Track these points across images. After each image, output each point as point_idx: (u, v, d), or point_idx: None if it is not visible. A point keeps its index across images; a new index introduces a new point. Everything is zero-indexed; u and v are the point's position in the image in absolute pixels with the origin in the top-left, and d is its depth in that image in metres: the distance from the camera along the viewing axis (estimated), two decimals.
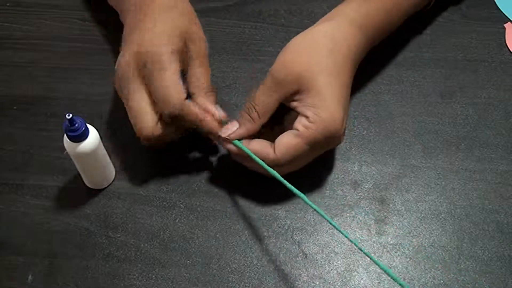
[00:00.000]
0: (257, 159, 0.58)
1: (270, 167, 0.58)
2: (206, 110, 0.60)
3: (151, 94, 0.58)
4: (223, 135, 0.59)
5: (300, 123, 0.58)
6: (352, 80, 0.62)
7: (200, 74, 0.61)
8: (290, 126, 0.59)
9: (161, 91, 0.57)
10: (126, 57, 0.59)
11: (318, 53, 0.59)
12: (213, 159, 0.65)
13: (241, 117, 0.60)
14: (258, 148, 0.58)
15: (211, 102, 0.60)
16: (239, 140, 0.59)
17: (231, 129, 0.60)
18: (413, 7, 0.68)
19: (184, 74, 0.60)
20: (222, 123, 0.60)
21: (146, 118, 0.58)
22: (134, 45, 0.59)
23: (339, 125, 0.58)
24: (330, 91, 0.58)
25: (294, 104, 0.59)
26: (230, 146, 0.60)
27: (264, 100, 0.59)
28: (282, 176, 0.57)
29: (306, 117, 0.57)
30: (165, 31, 0.59)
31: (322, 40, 0.60)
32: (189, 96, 0.60)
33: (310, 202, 0.55)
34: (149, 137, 0.59)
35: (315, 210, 0.55)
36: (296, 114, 0.59)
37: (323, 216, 0.54)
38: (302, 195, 0.56)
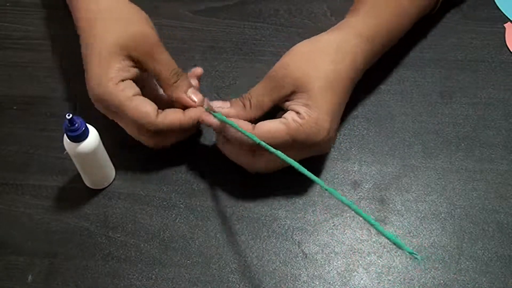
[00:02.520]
0: (239, 128, 0.57)
1: (248, 155, 0.58)
2: (181, 102, 0.60)
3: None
4: (214, 106, 0.60)
5: (289, 115, 0.58)
6: (352, 89, 0.62)
7: (156, 69, 0.60)
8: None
9: (130, 120, 0.59)
10: (91, 97, 0.61)
11: (320, 61, 0.59)
12: (213, 159, 0.65)
13: (235, 101, 0.60)
14: (241, 125, 0.58)
15: (181, 92, 0.60)
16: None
17: (221, 103, 0.60)
18: (420, 13, 0.68)
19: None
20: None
21: (139, 138, 0.61)
22: (88, 86, 0.60)
23: (323, 134, 0.58)
24: (325, 100, 0.58)
25: (287, 103, 0.59)
26: (212, 119, 0.59)
27: (259, 96, 0.59)
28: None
29: (298, 112, 0.58)
30: (102, 62, 0.59)
31: (326, 49, 0.60)
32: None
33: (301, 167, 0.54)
34: (156, 148, 0.61)
35: (311, 178, 0.53)
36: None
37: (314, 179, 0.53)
38: (289, 159, 0.54)
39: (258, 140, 0.56)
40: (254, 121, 0.59)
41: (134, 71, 0.60)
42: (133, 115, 0.58)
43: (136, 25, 0.61)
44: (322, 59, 0.59)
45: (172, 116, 0.59)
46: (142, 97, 0.59)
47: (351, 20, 0.64)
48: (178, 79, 0.61)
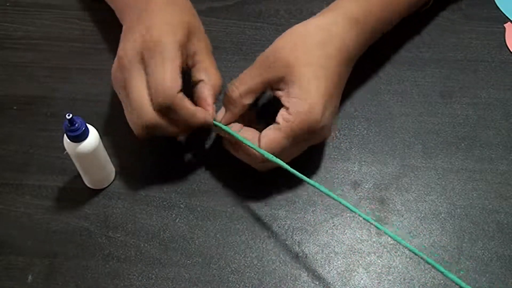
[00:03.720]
0: (248, 142, 0.57)
1: (257, 162, 0.58)
2: (206, 102, 0.60)
3: (150, 86, 0.58)
4: (216, 121, 0.60)
5: (281, 116, 0.58)
6: (347, 75, 0.62)
7: (210, 69, 0.61)
8: None
9: (158, 80, 0.57)
10: (129, 46, 0.58)
11: (310, 44, 0.59)
12: (213, 159, 0.65)
13: (224, 101, 0.60)
14: (247, 137, 0.58)
15: (208, 90, 0.60)
16: (227, 125, 0.60)
17: (220, 114, 0.60)
18: (412, 4, 0.68)
19: (184, 72, 0.60)
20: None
21: (145, 107, 0.57)
22: (139, 35, 0.58)
23: (318, 117, 0.57)
24: (314, 84, 0.57)
25: (279, 93, 0.59)
26: (221, 133, 0.60)
27: (247, 80, 0.59)
28: (271, 170, 0.57)
29: (287, 108, 0.57)
30: (170, 22, 0.59)
31: (316, 32, 0.60)
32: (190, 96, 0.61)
33: (305, 178, 0.55)
34: (147, 126, 0.58)
35: (314, 186, 0.55)
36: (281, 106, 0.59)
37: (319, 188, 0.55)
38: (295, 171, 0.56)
39: (268, 155, 0.56)
40: (249, 107, 0.60)
41: (184, 60, 0.60)
42: (168, 75, 0.56)
43: (200, 23, 0.62)
44: (312, 43, 0.59)
45: (190, 104, 0.58)
46: (179, 73, 0.58)
47: (342, 2, 0.63)
48: (219, 88, 0.61)
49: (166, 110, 0.57)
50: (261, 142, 0.58)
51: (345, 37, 0.60)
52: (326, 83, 0.58)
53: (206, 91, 0.60)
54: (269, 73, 0.59)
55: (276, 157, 0.57)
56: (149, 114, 0.57)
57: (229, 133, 0.59)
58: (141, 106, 0.57)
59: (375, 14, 0.64)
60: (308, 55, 0.58)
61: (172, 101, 0.57)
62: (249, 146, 0.58)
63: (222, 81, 0.61)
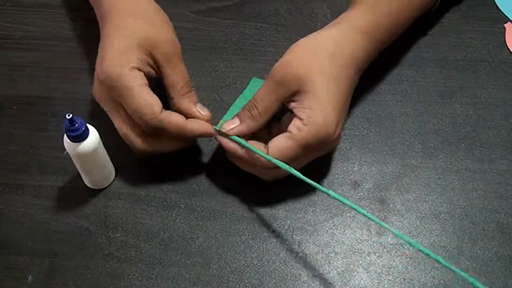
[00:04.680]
0: (257, 150, 0.57)
1: (263, 169, 0.58)
2: (189, 113, 0.60)
3: (131, 117, 0.59)
4: (223, 130, 0.59)
5: (294, 125, 0.58)
6: (355, 85, 0.62)
7: (173, 77, 0.60)
8: (287, 129, 0.59)
9: (133, 109, 0.58)
10: (95, 82, 0.60)
11: (320, 56, 0.59)
12: (213, 159, 0.65)
13: (242, 114, 0.60)
14: (251, 142, 0.59)
15: (191, 103, 0.60)
16: (244, 138, 0.59)
17: (232, 125, 0.60)
18: (419, 10, 0.68)
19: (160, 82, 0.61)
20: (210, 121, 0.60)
21: (131, 138, 0.59)
22: (98, 69, 0.60)
23: (332, 130, 0.57)
24: (327, 95, 0.58)
25: (292, 104, 0.59)
26: (226, 143, 0.59)
27: (264, 99, 0.59)
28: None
29: (301, 119, 0.57)
30: (122, 47, 0.59)
31: (325, 44, 0.60)
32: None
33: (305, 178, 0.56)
34: (142, 155, 0.60)
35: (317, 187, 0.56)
36: (293, 116, 0.59)
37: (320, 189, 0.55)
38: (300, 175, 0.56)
39: (279, 163, 0.56)
40: (265, 126, 0.60)
41: (150, 70, 0.60)
42: (139, 103, 0.57)
43: (165, 30, 0.62)
44: (321, 55, 0.59)
45: (177, 117, 0.59)
46: (151, 91, 0.59)
47: (350, 15, 0.63)
48: (190, 91, 0.61)
49: (157, 131, 0.58)
50: (270, 149, 0.57)
51: (354, 49, 0.61)
52: (339, 93, 0.58)
53: (182, 103, 0.60)
54: (282, 89, 0.58)
55: (287, 164, 0.57)
56: (140, 145, 0.60)
57: (235, 141, 0.59)
58: (129, 141, 0.60)
59: (382, 25, 0.64)
60: (318, 66, 0.58)
61: (158, 123, 0.58)
62: (258, 154, 0.57)
63: (186, 77, 0.61)
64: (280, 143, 0.57)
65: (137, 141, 0.60)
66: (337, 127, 0.58)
